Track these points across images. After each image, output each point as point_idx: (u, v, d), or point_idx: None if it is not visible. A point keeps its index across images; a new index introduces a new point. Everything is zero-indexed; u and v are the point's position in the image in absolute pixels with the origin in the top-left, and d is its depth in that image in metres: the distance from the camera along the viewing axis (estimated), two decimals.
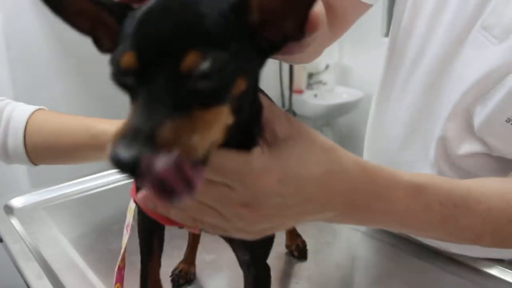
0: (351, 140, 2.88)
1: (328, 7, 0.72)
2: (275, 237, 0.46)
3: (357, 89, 2.76)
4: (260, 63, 0.33)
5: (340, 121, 2.82)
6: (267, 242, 0.46)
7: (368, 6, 0.73)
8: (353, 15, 0.74)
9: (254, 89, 0.34)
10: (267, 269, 0.48)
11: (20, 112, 0.77)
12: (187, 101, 0.28)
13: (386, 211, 0.40)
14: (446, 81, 0.66)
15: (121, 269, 0.52)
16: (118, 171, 0.26)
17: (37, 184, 1.65)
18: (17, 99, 1.59)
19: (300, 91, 2.64)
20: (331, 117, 2.78)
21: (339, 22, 0.73)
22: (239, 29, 0.30)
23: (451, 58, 0.65)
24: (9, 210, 0.98)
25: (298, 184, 0.34)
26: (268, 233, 0.39)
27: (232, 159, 0.33)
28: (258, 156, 0.34)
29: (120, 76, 0.29)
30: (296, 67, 2.54)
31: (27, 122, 0.76)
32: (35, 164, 0.80)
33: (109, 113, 1.81)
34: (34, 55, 1.66)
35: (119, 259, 0.51)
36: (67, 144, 0.76)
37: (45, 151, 0.78)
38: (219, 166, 0.33)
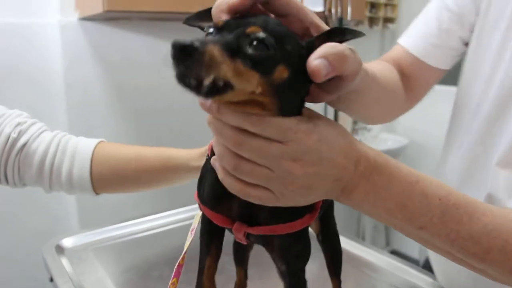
0: None
1: (402, 75, 0.78)
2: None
3: (403, 136, 2.72)
4: (307, 81, 0.42)
5: None
6: (303, 255, 0.51)
7: (443, 72, 0.78)
8: (429, 80, 0.79)
9: (297, 95, 0.43)
10: (302, 281, 0.53)
11: (84, 144, 0.83)
12: (239, 54, 0.37)
13: (385, 187, 0.45)
14: (498, 132, 0.68)
15: (180, 266, 0.57)
16: (171, 52, 0.34)
17: (86, 225, 1.72)
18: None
19: None
20: None
21: (415, 89, 0.77)
22: (300, 54, 0.41)
23: (505, 110, 0.67)
24: (60, 250, 1.01)
25: (329, 144, 0.42)
26: (304, 201, 0.45)
27: (286, 119, 0.41)
28: (304, 119, 0.42)
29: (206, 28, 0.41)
30: (341, 113, 2.53)
31: (93, 152, 0.81)
32: (97, 194, 0.84)
33: None
34: (91, 100, 1.74)
35: (180, 257, 0.57)
36: (135, 169, 0.82)
37: (111, 178, 0.82)
38: (277, 123, 0.40)
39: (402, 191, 0.45)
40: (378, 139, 2.75)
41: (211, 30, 0.41)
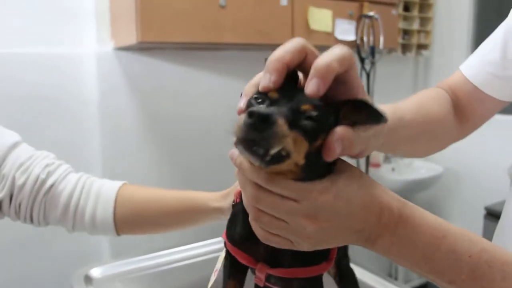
0: None
1: (458, 103, 0.76)
2: None
3: (437, 164, 2.65)
4: None
5: (418, 197, 2.70)
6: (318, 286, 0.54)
7: (504, 103, 0.74)
8: (488, 111, 0.76)
9: (322, 164, 0.44)
10: None
11: (109, 187, 0.85)
12: (296, 125, 0.40)
13: (410, 239, 0.45)
14: None
15: None
16: (248, 120, 0.37)
17: (117, 249, 1.72)
18: (105, 164, 1.71)
19: (377, 165, 2.58)
20: (409, 192, 2.66)
21: (472, 118, 0.75)
22: (333, 117, 0.43)
23: None
24: (88, 280, 1.01)
25: (346, 200, 0.43)
26: (324, 245, 0.46)
27: (301, 182, 0.43)
28: (320, 181, 0.43)
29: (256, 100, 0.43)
30: None
31: (116, 195, 0.83)
32: (118, 235, 0.85)
33: (187, 182, 1.89)
34: (124, 130, 1.78)
35: None
36: (157, 211, 0.83)
37: (134, 220, 0.84)
38: (292, 186, 0.42)
39: (428, 245, 0.44)
40: (412, 167, 2.69)
41: (260, 100, 0.43)
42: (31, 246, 1.68)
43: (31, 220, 0.81)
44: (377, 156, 2.55)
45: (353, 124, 0.42)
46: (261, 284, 0.54)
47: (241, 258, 0.53)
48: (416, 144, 0.67)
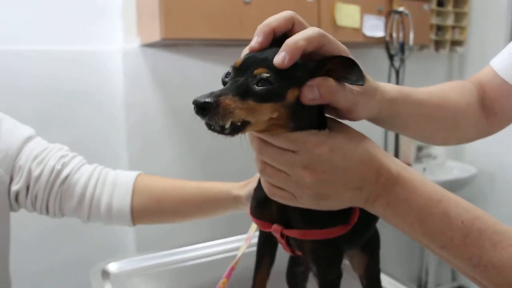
0: None
1: (485, 97, 0.75)
2: None
3: (471, 164, 2.56)
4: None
5: None
6: (332, 260, 0.56)
7: None
8: None
9: (311, 109, 0.48)
10: (332, 283, 0.56)
11: (125, 176, 0.85)
12: (249, 94, 0.44)
13: (405, 201, 0.46)
14: None
15: (233, 269, 0.65)
16: (194, 109, 0.43)
17: (143, 248, 1.73)
18: (131, 160, 1.74)
19: (408, 164, 2.49)
20: None
21: (500, 112, 0.75)
22: (312, 74, 0.47)
23: None
24: (106, 275, 1.01)
25: (343, 154, 0.46)
26: (325, 204, 0.48)
27: (296, 133, 0.46)
28: (316, 132, 0.46)
29: (226, 76, 0.48)
30: (404, 138, 2.43)
31: (134, 184, 0.84)
32: (134, 224, 0.85)
33: (210, 175, 1.89)
34: (149, 123, 1.80)
35: (234, 261, 0.66)
36: (176, 199, 0.83)
37: (151, 209, 0.84)
38: (287, 137, 0.46)
39: (423, 206, 0.46)
40: (444, 167, 2.60)
41: (230, 69, 0.48)
42: (58, 237, 1.72)
43: (47, 211, 0.82)
44: (407, 153, 2.48)
45: (337, 79, 0.46)
46: (286, 248, 0.58)
47: (260, 224, 0.58)
48: (430, 127, 0.67)
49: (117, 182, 0.83)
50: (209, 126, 0.44)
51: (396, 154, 2.36)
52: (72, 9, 1.68)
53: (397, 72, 2.19)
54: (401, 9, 2.01)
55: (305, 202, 0.48)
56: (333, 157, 0.46)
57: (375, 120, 0.58)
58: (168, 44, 1.74)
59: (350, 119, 0.51)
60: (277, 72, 0.45)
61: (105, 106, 1.77)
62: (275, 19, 0.47)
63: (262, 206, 0.56)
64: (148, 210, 0.83)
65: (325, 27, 1.79)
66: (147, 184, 0.84)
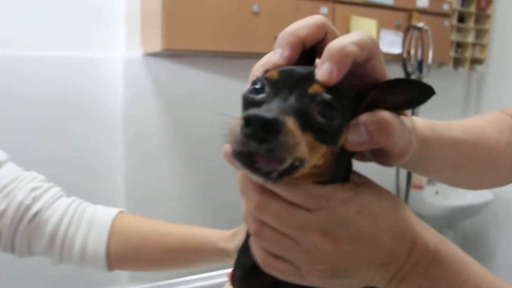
0: (476, 244, 2.55)
1: None
2: None
3: (487, 190, 2.44)
4: None
5: (464, 223, 2.51)
6: None
7: None
8: None
9: (345, 157, 0.38)
10: None
11: (103, 214, 0.77)
12: (309, 123, 0.33)
13: (445, 286, 0.38)
14: None
15: None
16: (246, 130, 0.30)
17: (136, 278, 1.67)
18: (127, 175, 1.67)
19: (420, 187, 2.42)
20: (454, 219, 2.48)
21: None
22: (355, 103, 0.36)
23: None
24: None
25: (373, 219, 0.36)
26: (339, 284, 0.38)
27: (318, 186, 0.36)
28: (341, 187, 0.37)
29: (252, 92, 0.36)
30: None
31: (111, 224, 0.76)
32: (110, 270, 0.78)
33: (208, 196, 1.83)
34: (148, 137, 1.75)
35: None
36: (157, 246, 0.76)
37: (129, 255, 0.77)
38: (307, 190, 0.36)
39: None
40: (458, 191, 2.50)
41: (258, 84, 0.36)
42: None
43: (13, 250, 0.73)
44: (420, 176, 2.38)
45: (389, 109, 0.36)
46: None
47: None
48: (464, 171, 0.58)
49: (94, 221, 0.75)
50: (249, 162, 0.32)
51: (409, 176, 2.26)
52: (73, 13, 1.63)
53: None
54: (420, 24, 1.94)
55: (314, 279, 0.38)
56: (361, 221, 0.36)
57: (406, 166, 0.48)
58: (172, 54, 1.69)
59: (391, 165, 0.40)
60: (336, 95, 0.34)
61: (103, 116, 1.71)
62: (304, 26, 0.37)
63: (250, 279, 0.44)
64: (126, 257, 0.75)
65: None
66: (126, 226, 0.76)
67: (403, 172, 2.32)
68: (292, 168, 0.32)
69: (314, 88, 0.34)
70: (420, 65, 2.04)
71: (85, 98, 1.67)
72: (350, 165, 0.39)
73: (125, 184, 1.72)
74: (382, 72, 0.37)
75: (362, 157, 0.42)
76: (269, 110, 0.31)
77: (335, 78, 0.34)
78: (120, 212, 0.78)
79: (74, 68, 1.64)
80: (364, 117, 0.35)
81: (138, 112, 1.72)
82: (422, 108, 2.33)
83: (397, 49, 1.93)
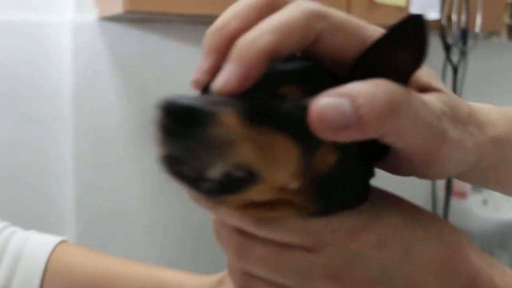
0: None
1: None
2: None
3: None
4: (365, 165, 0.37)
5: None
6: None
7: None
8: None
9: (352, 181, 0.36)
10: None
11: (35, 247, 0.75)
12: (267, 115, 0.32)
13: None
14: None
15: None
16: (162, 120, 0.30)
17: None
18: (78, 172, 1.75)
19: (462, 194, 2.47)
20: (508, 236, 2.50)
21: None
22: None
23: None
24: None
25: (404, 249, 0.34)
26: None
27: (317, 219, 0.34)
28: (349, 213, 0.34)
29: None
30: None
31: (47, 261, 0.73)
32: None
33: (189, 210, 1.83)
34: (105, 129, 1.76)
35: None
36: None
37: None
38: (298, 226, 0.34)
39: None
40: (510, 201, 2.52)
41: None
42: None
43: None
44: (462, 182, 2.40)
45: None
46: None
47: None
48: None
49: (22, 256, 0.72)
50: (170, 165, 0.32)
51: (449, 181, 2.29)
52: None
53: (455, 69, 2.13)
54: None
55: None
56: (385, 254, 0.34)
57: (464, 176, 0.43)
58: (137, 18, 1.70)
59: (424, 176, 0.38)
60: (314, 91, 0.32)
61: (49, 95, 1.72)
62: (235, 15, 0.34)
63: None
64: None
65: (357, 5, 1.75)
66: (68, 264, 0.74)
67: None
68: (239, 182, 0.31)
69: (287, 90, 0.33)
70: (464, 35, 2.06)
71: (23, 74, 1.67)
72: (365, 184, 0.38)
73: (75, 184, 1.73)
74: (355, 43, 0.34)
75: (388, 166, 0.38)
76: (199, 99, 0.31)
77: (238, 84, 0.31)
78: (61, 242, 0.76)
79: (9, 34, 1.64)
80: (351, 86, 0.29)
81: (92, 91, 1.72)
82: (467, 90, 2.36)
83: (433, 14, 1.94)
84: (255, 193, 0.32)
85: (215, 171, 0.30)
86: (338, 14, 0.34)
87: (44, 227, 0.81)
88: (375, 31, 0.34)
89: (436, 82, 0.36)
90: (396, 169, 0.38)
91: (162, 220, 1.87)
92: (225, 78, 0.31)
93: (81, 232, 1.72)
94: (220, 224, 0.37)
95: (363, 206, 0.35)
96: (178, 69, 1.77)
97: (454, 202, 2.38)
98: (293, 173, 0.32)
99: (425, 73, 0.36)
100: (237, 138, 0.30)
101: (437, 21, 1.98)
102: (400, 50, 0.33)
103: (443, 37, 2.04)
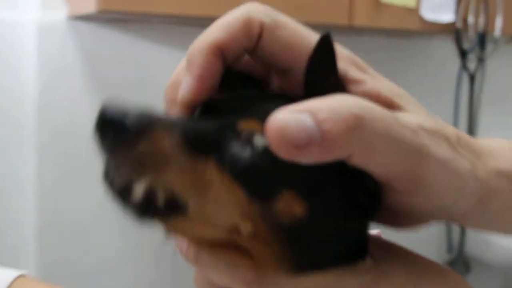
0: None
1: None
2: None
3: None
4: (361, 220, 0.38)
5: None
6: None
7: None
8: None
9: (341, 237, 0.37)
10: None
11: None
12: (212, 152, 0.34)
13: None
14: None
15: None
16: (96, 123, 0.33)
17: None
18: (41, 189, 1.77)
19: None
20: None
21: None
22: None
23: None
24: None
25: None
26: None
27: (312, 278, 0.35)
28: (351, 271, 0.35)
29: None
30: None
31: None
32: None
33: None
34: (73, 141, 1.75)
35: None
36: None
37: None
38: (292, 283, 0.35)
39: None
40: None
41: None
42: None
43: None
44: None
45: None
46: None
47: None
48: None
49: None
50: (106, 174, 0.34)
51: None
52: None
53: (472, 78, 2.13)
54: None
55: None
56: None
57: (473, 220, 0.42)
58: (112, 18, 1.70)
59: (421, 214, 0.38)
60: None
61: (5, 105, 1.71)
62: (215, 35, 0.37)
63: None
64: None
65: (361, 5, 1.73)
66: None
67: None
68: (165, 208, 0.33)
69: (248, 124, 0.35)
70: (482, 39, 2.06)
71: None
72: (363, 233, 0.39)
73: (38, 204, 1.73)
74: (296, 41, 0.37)
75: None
76: (135, 109, 0.32)
77: (194, 91, 0.37)
78: (19, 277, 0.77)
79: None
80: (309, 102, 0.29)
81: (60, 98, 1.72)
82: (486, 101, 2.36)
83: (447, 16, 1.94)
84: (192, 227, 0.34)
85: (137, 190, 0.32)
86: (281, 14, 0.38)
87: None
88: (311, 34, 0.38)
89: (402, 100, 0.37)
90: (392, 219, 0.39)
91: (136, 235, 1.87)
92: (183, 87, 0.36)
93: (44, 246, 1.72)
94: (205, 282, 0.38)
95: (364, 264, 0.36)
96: (155, 72, 1.78)
97: (471, 231, 2.26)
98: (239, 215, 0.33)
99: (389, 89, 0.37)
100: (162, 159, 0.32)
101: (452, 24, 1.96)
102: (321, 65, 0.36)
103: (458, 42, 2.03)
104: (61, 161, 1.76)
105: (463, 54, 2.08)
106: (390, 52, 2.15)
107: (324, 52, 0.35)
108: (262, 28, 0.37)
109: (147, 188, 0.32)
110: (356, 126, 0.28)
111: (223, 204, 0.33)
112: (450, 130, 0.36)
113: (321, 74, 0.35)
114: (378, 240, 0.39)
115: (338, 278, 0.34)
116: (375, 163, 0.30)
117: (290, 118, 0.28)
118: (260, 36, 0.37)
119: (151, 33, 1.81)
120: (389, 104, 0.36)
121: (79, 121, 1.73)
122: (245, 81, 0.41)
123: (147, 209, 0.33)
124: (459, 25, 1.99)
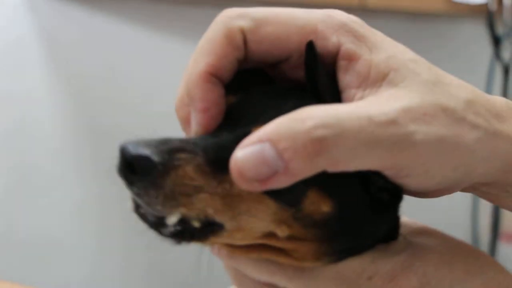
0: None
1: None
2: None
3: None
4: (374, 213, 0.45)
5: None
6: None
7: None
8: None
9: (376, 223, 0.45)
10: None
11: None
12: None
13: None
14: None
15: None
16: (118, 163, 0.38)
17: None
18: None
19: None
20: None
21: None
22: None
23: None
24: None
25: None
26: None
27: (349, 263, 0.42)
28: (385, 252, 0.43)
29: None
30: None
31: None
32: None
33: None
34: (36, 138, 1.84)
35: None
36: None
37: None
38: (332, 274, 0.42)
39: None
40: None
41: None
42: None
43: None
44: None
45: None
46: None
47: None
48: None
49: None
50: (136, 209, 0.40)
51: (496, 220, 2.24)
52: None
53: (506, 69, 2.06)
54: None
55: None
56: None
57: (482, 189, 0.47)
58: None
59: (427, 188, 0.42)
60: None
61: None
62: (196, 85, 0.42)
63: None
64: None
65: None
66: None
67: (484, 214, 2.30)
68: (197, 230, 0.39)
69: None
70: None
71: None
72: (395, 220, 0.46)
73: None
74: (291, 31, 0.42)
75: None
76: (154, 144, 0.37)
77: (204, 124, 0.42)
78: None
79: None
80: (268, 128, 0.36)
81: (17, 90, 1.74)
82: None
83: None
84: (230, 239, 0.42)
85: (171, 219, 0.38)
86: (259, 10, 0.42)
87: None
88: (309, 15, 0.42)
89: (397, 74, 0.39)
90: (418, 194, 0.44)
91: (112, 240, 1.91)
92: (193, 123, 0.42)
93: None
94: (241, 275, 0.46)
95: (398, 245, 0.44)
96: (131, 57, 1.85)
97: (503, 247, 2.36)
98: (274, 223, 0.41)
99: (385, 62, 0.40)
100: (190, 188, 0.38)
101: (484, 6, 1.92)
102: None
103: (491, 27, 1.97)
104: (24, 165, 1.86)
105: (496, 41, 2.01)
106: (409, 37, 2.19)
107: (310, 59, 0.41)
108: (244, 33, 0.42)
109: (181, 218, 0.39)
110: (318, 150, 0.35)
111: (257, 216, 0.40)
112: (455, 97, 0.40)
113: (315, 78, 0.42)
114: (412, 223, 0.47)
115: (372, 259, 0.42)
116: (353, 167, 0.37)
117: (250, 154, 0.35)
118: (245, 41, 0.42)
119: (124, 11, 1.91)
120: (379, 82, 0.39)
121: (40, 113, 1.87)
122: (256, 75, 0.46)
123: (184, 235, 0.40)
124: (493, 7, 1.93)
